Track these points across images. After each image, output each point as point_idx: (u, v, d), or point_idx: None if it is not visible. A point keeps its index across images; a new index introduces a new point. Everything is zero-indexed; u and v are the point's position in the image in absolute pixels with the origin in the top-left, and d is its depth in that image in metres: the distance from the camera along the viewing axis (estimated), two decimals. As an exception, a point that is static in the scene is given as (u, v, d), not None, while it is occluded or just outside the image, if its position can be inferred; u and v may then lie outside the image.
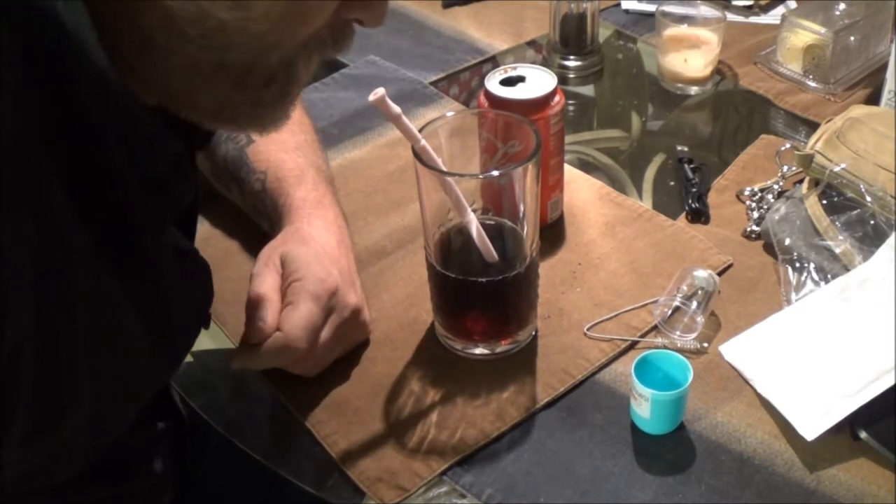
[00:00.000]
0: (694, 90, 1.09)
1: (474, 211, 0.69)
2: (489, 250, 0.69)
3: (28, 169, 0.42)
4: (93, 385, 0.50)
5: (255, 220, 0.83)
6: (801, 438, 0.65)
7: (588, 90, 1.13)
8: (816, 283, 0.78)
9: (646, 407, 0.66)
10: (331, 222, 0.77)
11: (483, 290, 0.71)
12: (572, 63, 1.13)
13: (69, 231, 0.45)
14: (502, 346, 0.74)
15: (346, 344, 0.74)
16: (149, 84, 0.49)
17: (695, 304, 0.76)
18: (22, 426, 0.45)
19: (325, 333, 0.70)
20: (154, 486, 0.72)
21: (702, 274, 0.77)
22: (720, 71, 1.11)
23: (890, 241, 0.78)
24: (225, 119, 0.52)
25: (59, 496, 0.60)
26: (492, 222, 0.70)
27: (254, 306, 0.68)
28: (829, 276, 0.78)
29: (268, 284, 0.69)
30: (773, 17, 1.19)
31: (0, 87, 0.40)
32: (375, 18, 0.51)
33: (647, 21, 1.22)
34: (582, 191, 0.92)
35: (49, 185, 0.44)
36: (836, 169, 0.84)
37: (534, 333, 0.76)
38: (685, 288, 0.77)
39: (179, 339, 0.61)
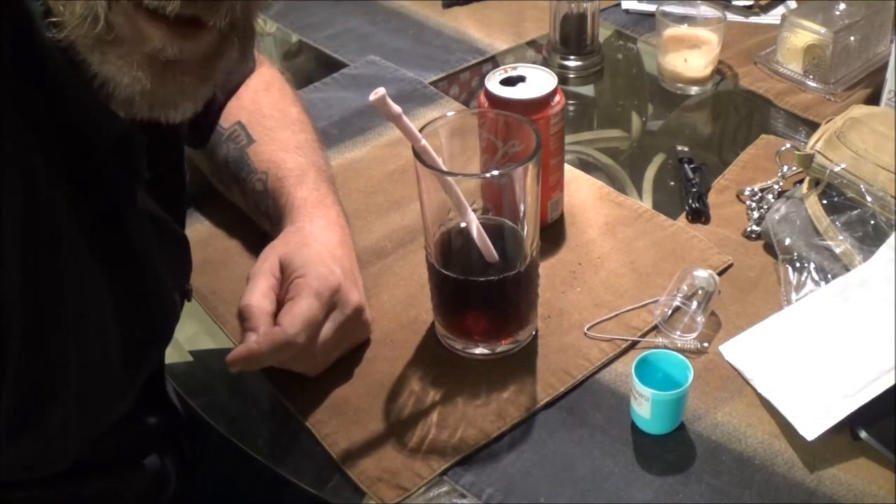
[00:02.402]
0: (694, 90, 1.09)
1: (474, 211, 0.69)
2: (489, 250, 0.69)
3: (11, 134, 0.45)
4: (79, 361, 0.51)
5: (256, 220, 0.83)
6: (802, 438, 0.66)
7: (588, 90, 1.13)
8: (816, 283, 0.78)
9: (646, 407, 0.66)
10: (333, 222, 0.77)
11: (483, 290, 0.71)
12: (572, 63, 1.13)
13: (53, 197, 0.48)
14: (502, 346, 0.74)
15: (348, 343, 0.74)
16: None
17: (695, 304, 0.76)
18: (11, 403, 0.46)
19: (328, 332, 0.70)
20: (150, 482, 0.72)
21: (702, 274, 0.77)
22: (720, 71, 1.11)
23: (890, 241, 0.78)
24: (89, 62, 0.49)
25: (50, 488, 0.60)
26: (492, 222, 0.70)
27: (241, 317, 0.68)
28: (829, 276, 0.78)
29: (259, 291, 0.69)
30: (773, 17, 1.19)
31: None
32: None
33: (647, 21, 1.22)
34: (582, 191, 0.92)
35: (32, 152, 0.46)
36: (836, 169, 0.84)
37: (534, 333, 0.76)
38: (685, 288, 0.77)
39: (163, 311, 0.62)
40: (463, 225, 0.69)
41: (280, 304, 0.69)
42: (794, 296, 0.77)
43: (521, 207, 0.68)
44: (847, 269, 0.78)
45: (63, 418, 0.52)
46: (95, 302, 0.53)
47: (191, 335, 0.77)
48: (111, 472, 0.66)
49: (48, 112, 0.49)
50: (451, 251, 0.71)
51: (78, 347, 0.51)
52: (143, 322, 0.58)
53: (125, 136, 0.54)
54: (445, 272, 0.70)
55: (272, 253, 0.72)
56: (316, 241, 0.73)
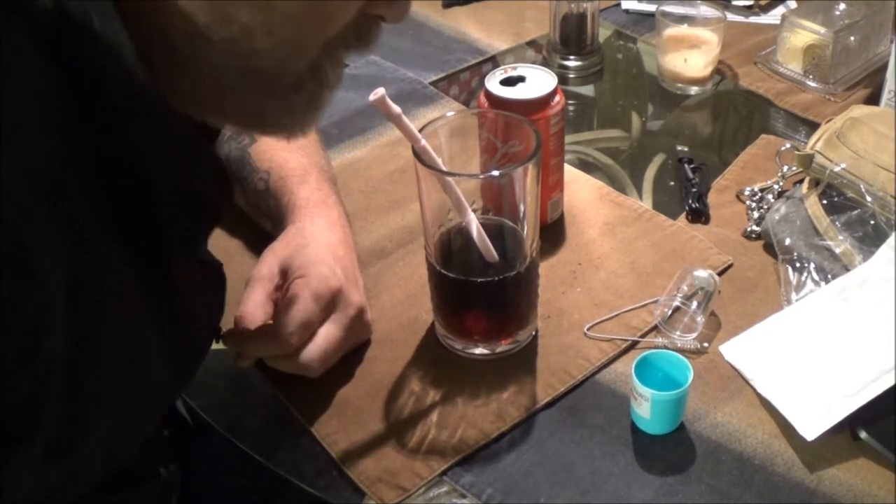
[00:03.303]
0: (694, 90, 1.09)
1: (474, 211, 0.69)
2: (489, 250, 0.69)
3: (63, 188, 0.42)
4: (113, 404, 0.50)
5: (257, 220, 0.83)
6: (801, 438, 0.66)
7: (588, 90, 1.13)
8: (816, 283, 0.78)
9: (646, 407, 0.66)
10: (334, 221, 0.77)
11: (483, 290, 0.71)
12: (572, 63, 1.13)
13: (102, 247, 0.45)
14: (502, 346, 0.74)
15: (349, 344, 0.73)
16: (177, 93, 0.48)
17: (695, 304, 0.76)
18: (43, 447, 0.45)
19: (334, 334, 0.70)
20: (160, 490, 0.72)
21: (702, 274, 0.77)
22: (720, 71, 1.11)
23: (890, 241, 0.78)
24: (254, 126, 0.52)
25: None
26: (492, 222, 0.70)
27: (235, 327, 0.69)
28: (829, 276, 0.78)
29: (253, 301, 0.69)
30: (773, 17, 1.19)
31: (34, 106, 0.40)
32: (398, 15, 0.51)
33: (647, 21, 1.22)
34: (582, 191, 0.92)
35: (84, 203, 0.43)
36: (836, 169, 0.84)
37: (534, 333, 0.76)
38: (685, 288, 0.77)
39: (195, 353, 0.61)
40: (463, 225, 0.69)
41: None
42: (794, 296, 0.77)
43: (521, 207, 0.68)
44: (847, 269, 0.78)
45: (87, 456, 0.51)
46: (134, 349, 0.51)
47: (191, 335, 0.77)
48: (122, 485, 0.66)
49: (115, 157, 0.45)
50: (451, 251, 0.71)
51: (113, 393, 0.50)
52: (176, 365, 0.57)
53: (219, 175, 0.53)
54: (445, 272, 0.70)
55: (271, 257, 0.72)
56: (317, 241, 0.73)
